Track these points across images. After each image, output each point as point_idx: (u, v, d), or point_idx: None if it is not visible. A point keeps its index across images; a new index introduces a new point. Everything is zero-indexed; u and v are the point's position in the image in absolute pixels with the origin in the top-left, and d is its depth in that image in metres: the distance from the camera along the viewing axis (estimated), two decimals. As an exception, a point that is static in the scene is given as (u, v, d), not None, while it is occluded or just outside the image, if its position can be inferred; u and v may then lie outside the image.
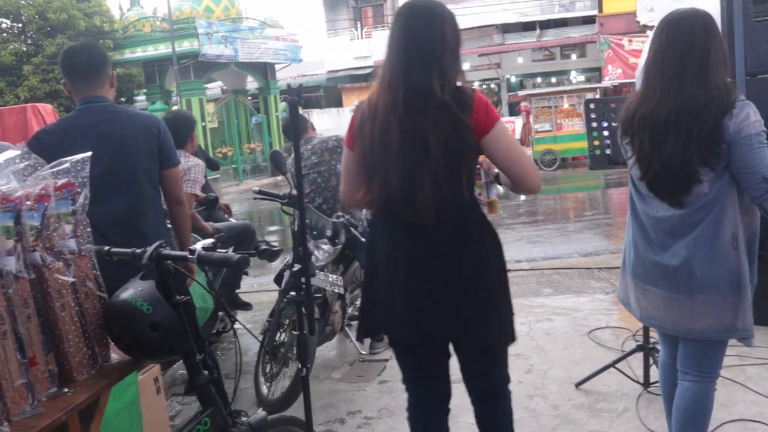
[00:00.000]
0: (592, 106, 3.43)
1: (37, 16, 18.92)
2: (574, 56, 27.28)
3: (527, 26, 27.65)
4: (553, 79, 27.65)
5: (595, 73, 25.96)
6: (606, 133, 3.37)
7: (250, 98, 24.12)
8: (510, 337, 2.22)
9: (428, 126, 2.03)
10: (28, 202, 1.57)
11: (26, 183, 1.60)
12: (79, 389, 1.62)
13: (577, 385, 3.63)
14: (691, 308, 2.31)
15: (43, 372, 1.58)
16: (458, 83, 2.10)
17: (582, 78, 27.19)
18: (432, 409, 2.41)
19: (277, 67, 23.09)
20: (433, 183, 2.03)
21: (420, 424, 2.44)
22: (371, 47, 28.63)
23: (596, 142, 3.40)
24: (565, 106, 17.71)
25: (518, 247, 8.15)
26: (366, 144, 2.14)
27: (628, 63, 20.93)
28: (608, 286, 5.57)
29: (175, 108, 18.22)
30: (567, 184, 14.90)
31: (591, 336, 4.35)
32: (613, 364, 3.61)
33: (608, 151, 3.37)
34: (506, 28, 27.69)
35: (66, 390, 1.61)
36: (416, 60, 2.07)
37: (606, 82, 21.35)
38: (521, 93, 21.34)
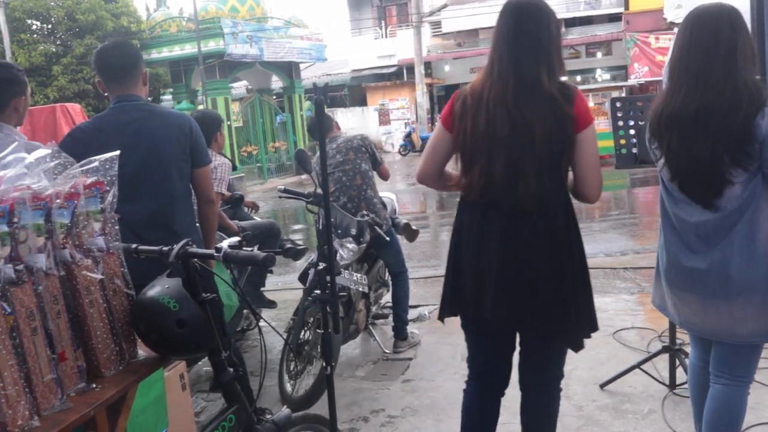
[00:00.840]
0: (618, 104, 3.39)
1: (66, 18, 19.20)
2: (599, 54, 26.97)
3: (552, 24, 27.38)
4: (578, 78, 27.34)
5: (621, 71, 25.62)
6: (632, 131, 3.33)
7: (274, 97, 24.23)
8: (594, 325, 2.35)
9: (535, 117, 2.16)
10: (59, 200, 1.59)
11: (56, 181, 1.62)
12: (106, 385, 1.64)
13: (602, 385, 3.60)
14: (730, 313, 2.27)
15: (72, 367, 1.60)
16: (562, 78, 2.26)
17: (607, 76, 26.86)
18: (493, 390, 2.51)
19: (301, 66, 23.17)
20: (536, 171, 2.17)
21: (478, 404, 2.52)
22: (395, 46, 28.62)
23: (622, 141, 3.36)
24: (591, 104, 17.51)
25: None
26: (467, 131, 2.25)
27: (655, 61, 20.63)
28: (633, 286, 5.51)
29: (201, 107, 18.38)
30: (592, 184, 14.72)
31: (616, 336, 4.31)
32: (638, 365, 3.57)
33: (635, 150, 3.33)
34: (531, 27, 27.43)
35: (94, 385, 1.63)
36: (527, 54, 2.21)
37: (632, 81, 21.09)
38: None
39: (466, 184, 2.30)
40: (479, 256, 2.27)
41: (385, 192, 4.88)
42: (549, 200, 2.22)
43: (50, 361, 1.53)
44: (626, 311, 4.84)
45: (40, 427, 1.45)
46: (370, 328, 4.59)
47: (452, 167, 2.43)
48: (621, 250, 7.54)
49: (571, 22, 27.05)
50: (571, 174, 2.29)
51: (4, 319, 1.42)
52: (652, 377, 3.55)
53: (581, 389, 3.60)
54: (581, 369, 3.82)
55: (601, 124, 16.62)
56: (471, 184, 2.27)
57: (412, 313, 5.00)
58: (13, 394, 1.41)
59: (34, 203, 1.53)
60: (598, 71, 27.56)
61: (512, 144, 2.18)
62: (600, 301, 5.10)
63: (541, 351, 2.42)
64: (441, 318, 2.52)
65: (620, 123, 3.36)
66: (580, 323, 2.30)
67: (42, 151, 1.66)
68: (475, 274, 2.29)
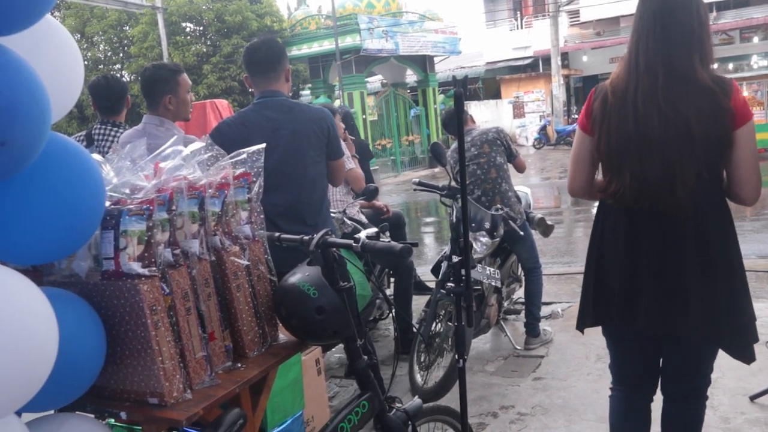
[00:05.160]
0: (779, 93, 3.13)
1: (215, 19, 20.42)
2: (756, 39, 24.93)
3: (702, 9, 25.65)
4: (731, 65, 25.45)
5: (780, 57, 23.63)
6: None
7: (409, 91, 24.45)
8: (754, 335, 2.16)
9: (691, 113, 1.97)
10: (210, 190, 1.71)
11: (209, 172, 1.74)
12: (250, 365, 1.74)
13: (752, 398, 3.35)
14: None
15: (220, 347, 1.71)
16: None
17: (765, 63, 24.81)
18: (641, 394, 2.38)
19: (436, 59, 23.21)
20: (696, 173, 1.99)
21: (626, 407, 2.40)
22: (531, 37, 27.95)
23: (783, 133, 3.09)
24: (745, 93, 16.27)
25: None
26: (612, 133, 2.08)
27: (823, 45, 18.81)
28: (792, 291, 5.07)
29: (337, 102, 18.90)
30: (745, 179, 13.67)
31: (770, 345, 3.99)
32: (796, 378, 3.29)
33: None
34: (678, 12, 25.86)
35: (239, 365, 1.73)
36: (677, 43, 2.01)
37: (795, 67, 19.37)
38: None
39: (614, 191, 2.11)
40: (630, 264, 2.13)
41: (520, 186, 4.79)
42: (707, 203, 2.06)
43: (201, 340, 1.64)
44: (782, 318, 4.46)
45: (192, 400, 1.56)
46: (502, 323, 4.53)
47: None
48: (777, 251, 6.95)
49: (725, 5, 25.17)
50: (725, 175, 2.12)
51: (164, 299, 1.54)
52: (812, 392, 3.26)
53: (728, 400, 3.37)
54: (728, 378, 3.57)
55: (758, 115, 15.48)
56: (621, 191, 2.09)
57: (544, 310, 4.90)
58: (170, 368, 1.53)
59: (190, 192, 1.65)
60: (754, 57, 25.48)
61: (667, 144, 2.00)
62: (752, 306, 4.77)
63: (690, 359, 2.26)
64: (581, 328, 2.39)
65: (780, 113, 3.09)
66: (739, 333, 2.12)
67: (197, 144, 1.78)
68: (624, 282, 2.15)
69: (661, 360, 2.32)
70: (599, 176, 2.24)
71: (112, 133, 3.47)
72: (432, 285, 4.54)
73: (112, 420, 1.81)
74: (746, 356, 2.15)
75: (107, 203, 1.54)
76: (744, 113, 2.00)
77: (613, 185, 2.11)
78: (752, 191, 2.08)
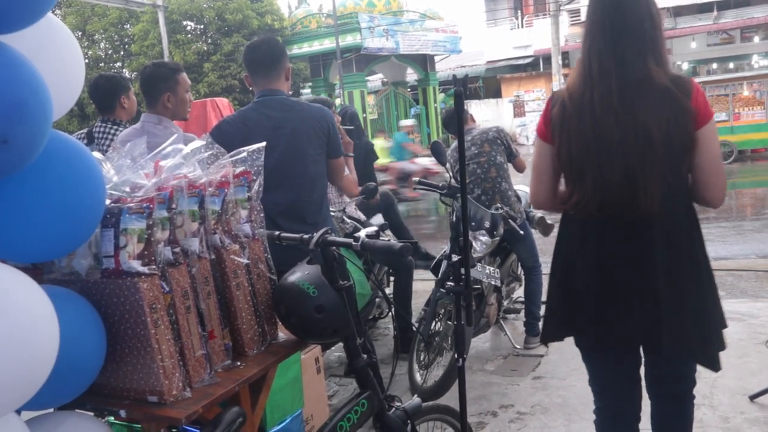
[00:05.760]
0: (779, 93, 3.13)
1: (216, 18, 20.42)
2: (756, 39, 24.93)
3: (703, 8, 25.60)
4: (731, 65, 25.45)
5: (782, 56, 23.63)
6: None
7: (409, 90, 24.46)
8: (721, 342, 2.11)
9: (650, 116, 1.90)
10: (211, 189, 1.71)
11: (209, 171, 1.74)
12: (250, 363, 1.74)
13: (752, 397, 3.34)
14: None
15: (220, 345, 1.71)
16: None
17: (765, 62, 24.79)
18: (625, 416, 2.29)
19: (436, 58, 23.23)
20: (658, 178, 1.92)
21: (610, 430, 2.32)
22: (531, 36, 27.95)
23: (783, 133, 3.09)
24: (745, 93, 16.25)
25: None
26: (572, 140, 2.00)
27: (824, 44, 18.81)
28: (792, 291, 5.08)
29: (338, 101, 18.89)
30: (744, 179, 13.68)
31: (770, 345, 3.99)
32: (796, 378, 3.29)
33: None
34: (678, 11, 25.85)
35: (239, 363, 1.73)
36: (629, 45, 1.94)
37: (795, 67, 19.36)
38: (696, 81, 19.88)
39: (577, 201, 2.03)
40: (598, 273, 2.05)
41: (520, 185, 4.80)
42: (672, 208, 1.97)
43: (201, 338, 1.65)
44: (782, 318, 4.47)
45: (192, 398, 1.56)
46: (501, 322, 4.54)
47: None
48: (777, 251, 6.96)
49: (725, 5, 25.17)
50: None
51: (163, 297, 1.54)
52: (812, 392, 3.26)
53: (728, 399, 3.37)
54: (728, 378, 3.57)
55: (757, 115, 15.48)
56: (583, 200, 2.01)
57: (544, 309, 4.89)
58: (170, 366, 1.53)
59: (190, 191, 1.65)
60: (755, 57, 25.49)
61: (627, 150, 1.92)
62: (751, 307, 4.79)
63: (669, 365, 2.20)
64: (545, 342, 2.35)
65: (780, 113, 3.09)
66: (705, 340, 2.05)
67: (197, 143, 1.78)
68: (593, 293, 2.06)
69: (641, 370, 2.26)
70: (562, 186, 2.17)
71: (112, 131, 3.47)
72: (432, 285, 4.54)
73: (112, 418, 1.81)
74: (712, 364, 2.09)
75: (107, 201, 1.55)
76: (705, 112, 1.93)
77: (576, 195, 2.03)
78: (717, 192, 2.01)
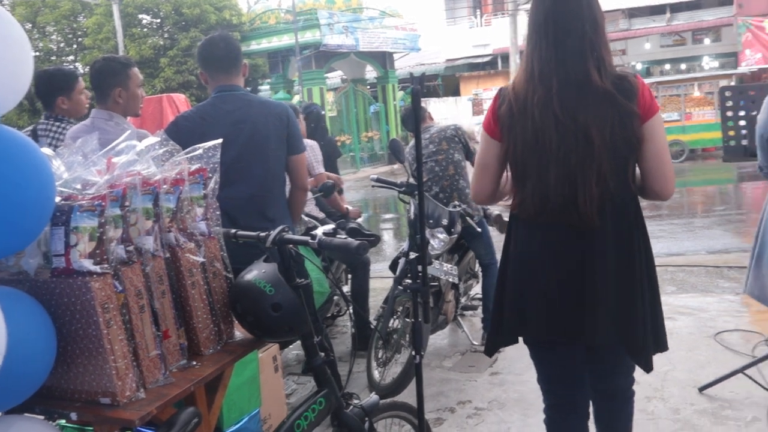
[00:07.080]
0: (728, 93, 3.24)
1: (173, 12, 20.08)
2: (707, 41, 25.65)
3: (656, 10, 26.21)
4: (683, 66, 26.11)
5: (730, 58, 24.27)
6: (743, 122, 3.16)
7: (368, 87, 24.46)
8: (663, 343, 2.15)
9: (589, 120, 1.90)
10: (165, 186, 1.68)
11: (164, 168, 1.71)
12: (205, 363, 1.72)
13: (701, 389, 3.44)
14: None
15: (175, 345, 1.69)
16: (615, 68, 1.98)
17: (716, 64, 25.51)
18: (574, 412, 2.30)
19: (395, 56, 23.27)
20: (598, 182, 1.92)
21: (559, 427, 2.33)
22: (490, 35, 28.22)
23: (731, 132, 3.20)
24: (696, 94, 16.72)
25: (640, 242, 7.79)
26: (516, 142, 2.00)
27: (770, 47, 19.44)
28: (738, 286, 5.23)
29: (297, 98, 18.78)
30: (695, 177, 14.07)
31: (717, 338, 4.11)
32: (741, 370, 3.39)
33: (744, 142, 3.16)
34: (633, 13, 26.42)
35: (194, 363, 1.71)
36: (569, 49, 1.93)
37: (743, 68, 19.95)
38: (648, 81, 20.37)
39: (519, 202, 2.05)
40: (542, 277, 2.05)
41: (477, 183, 4.83)
42: (614, 212, 1.98)
43: (155, 338, 1.62)
44: (729, 312, 4.60)
45: (146, 399, 1.54)
46: (459, 319, 4.57)
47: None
48: (725, 247, 7.16)
49: (677, 7, 25.83)
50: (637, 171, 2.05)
51: (116, 297, 1.51)
52: (758, 383, 3.36)
53: (678, 392, 3.47)
54: (679, 371, 3.67)
55: (707, 115, 15.93)
56: (525, 202, 2.02)
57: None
58: (123, 367, 1.50)
59: (144, 188, 1.62)
60: (705, 59, 26.23)
61: (566, 154, 1.92)
62: (701, 301, 4.92)
63: (607, 361, 2.24)
64: (489, 353, 2.33)
65: (729, 113, 3.20)
66: (647, 340, 2.08)
67: (151, 139, 1.75)
68: (537, 296, 2.07)
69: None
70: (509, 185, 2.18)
71: (54, 128, 3.33)
72: (390, 281, 4.55)
73: (63, 421, 1.77)
74: (646, 364, 2.11)
75: (57, 199, 1.51)
76: (650, 108, 1.93)
77: (518, 196, 2.05)
78: (665, 182, 2.00)
